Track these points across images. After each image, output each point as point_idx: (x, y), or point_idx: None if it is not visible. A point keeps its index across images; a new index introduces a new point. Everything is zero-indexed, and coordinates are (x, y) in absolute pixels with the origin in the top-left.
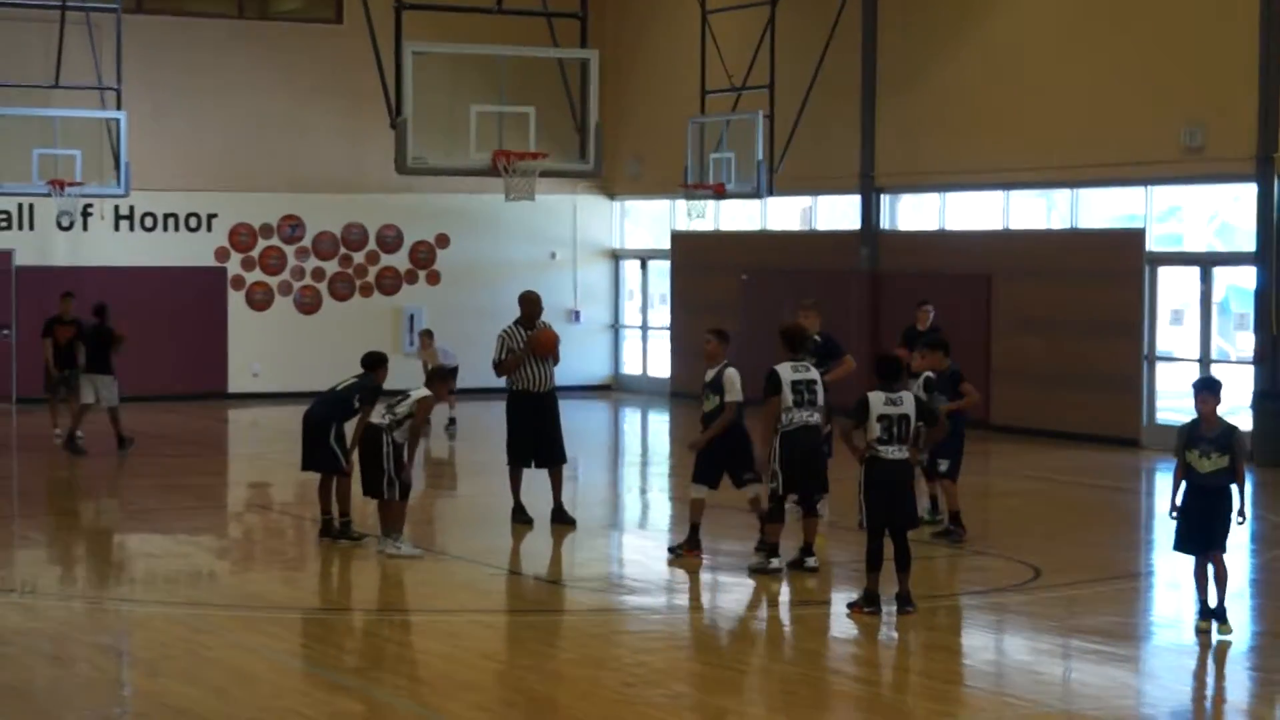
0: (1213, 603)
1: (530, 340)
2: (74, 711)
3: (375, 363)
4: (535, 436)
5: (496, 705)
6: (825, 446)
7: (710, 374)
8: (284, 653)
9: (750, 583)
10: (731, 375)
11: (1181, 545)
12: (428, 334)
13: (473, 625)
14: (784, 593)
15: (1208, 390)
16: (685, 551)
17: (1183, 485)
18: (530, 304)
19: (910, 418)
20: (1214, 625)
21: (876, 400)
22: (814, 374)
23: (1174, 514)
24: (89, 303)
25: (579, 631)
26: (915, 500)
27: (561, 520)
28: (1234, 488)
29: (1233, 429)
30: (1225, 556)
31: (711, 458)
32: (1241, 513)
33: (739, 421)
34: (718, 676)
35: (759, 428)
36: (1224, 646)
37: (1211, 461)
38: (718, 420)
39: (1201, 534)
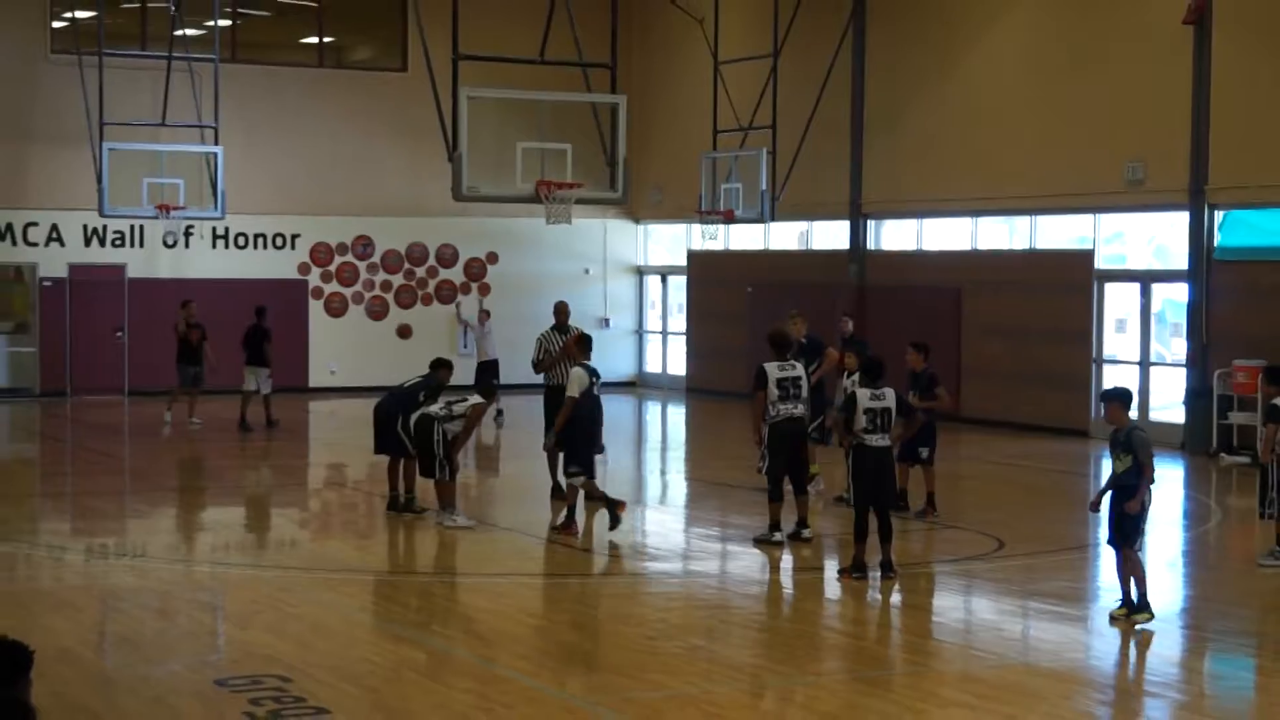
0: (1135, 595)
1: (566, 344)
2: (177, 658)
3: (440, 365)
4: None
5: (536, 655)
6: (817, 434)
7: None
8: (356, 609)
9: (755, 552)
10: (575, 373)
11: (1109, 539)
12: (485, 314)
13: (516, 586)
14: (784, 560)
15: (1107, 398)
16: (563, 530)
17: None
18: (561, 312)
19: (892, 411)
20: (1136, 614)
21: (863, 396)
22: (798, 371)
23: (1092, 509)
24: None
25: (607, 592)
26: (896, 481)
27: (592, 497)
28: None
29: (1131, 429)
30: (1140, 551)
31: (575, 445)
32: (1125, 503)
33: (580, 414)
34: (727, 631)
35: (749, 417)
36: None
37: (1121, 462)
38: (560, 414)
39: (1116, 530)
